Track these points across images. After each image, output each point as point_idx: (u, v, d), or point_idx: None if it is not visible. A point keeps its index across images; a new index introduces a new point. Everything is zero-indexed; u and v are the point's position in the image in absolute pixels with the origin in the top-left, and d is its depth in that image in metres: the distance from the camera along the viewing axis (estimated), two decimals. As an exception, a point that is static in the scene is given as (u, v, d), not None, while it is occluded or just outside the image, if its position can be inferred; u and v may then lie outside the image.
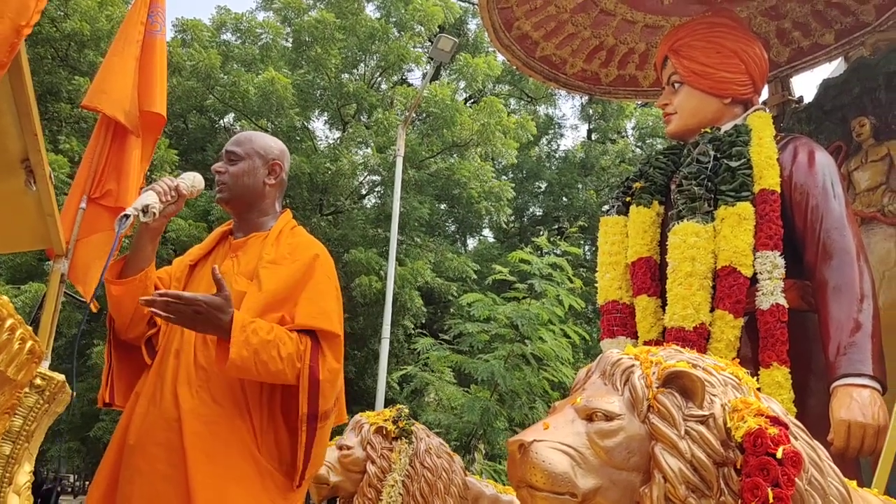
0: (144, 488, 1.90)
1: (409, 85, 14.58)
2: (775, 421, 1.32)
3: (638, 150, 17.62)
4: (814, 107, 3.56)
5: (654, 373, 1.40)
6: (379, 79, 13.12)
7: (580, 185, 16.41)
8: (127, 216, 1.96)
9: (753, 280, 2.48)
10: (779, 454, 1.26)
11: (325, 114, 13.54)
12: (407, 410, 3.04)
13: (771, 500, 1.23)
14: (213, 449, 1.92)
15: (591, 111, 18.27)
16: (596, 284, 2.98)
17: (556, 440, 1.34)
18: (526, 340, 8.77)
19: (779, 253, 2.46)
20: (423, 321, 11.68)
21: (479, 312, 8.66)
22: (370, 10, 13.61)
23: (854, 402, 2.17)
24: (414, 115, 11.07)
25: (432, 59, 10.32)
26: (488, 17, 3.49)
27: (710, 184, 2.59)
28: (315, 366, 1.95)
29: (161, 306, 1.86)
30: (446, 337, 9.19)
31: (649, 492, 1.32)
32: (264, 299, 2.00)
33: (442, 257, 11.58)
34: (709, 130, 2.76)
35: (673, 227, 2.60)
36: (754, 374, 2.36)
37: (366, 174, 12.58)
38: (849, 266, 2.39)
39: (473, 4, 16.75)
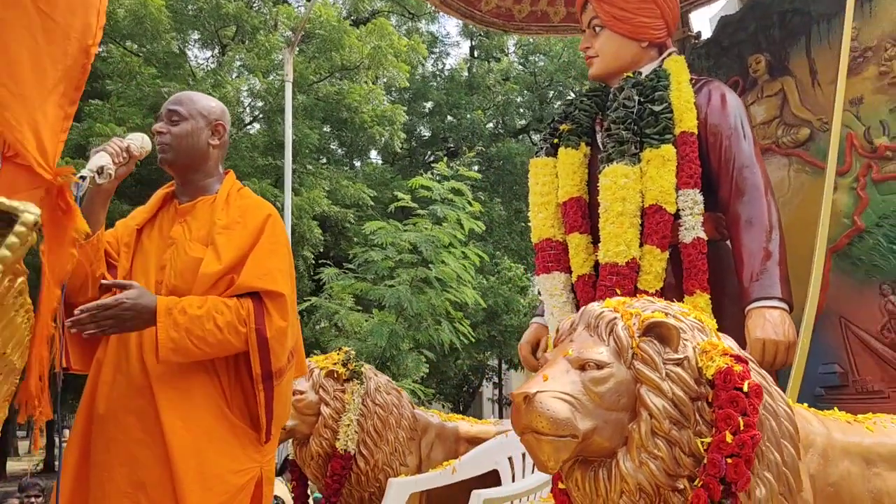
0: (122, 456, 1.95)
1: (286, 3, 13.99)
2: (738, 359, 1.55)
3: (521, 67, 17.84)
4: (712, 43, 3.80)
5: (634, 323, 1.58)
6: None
7: (467, 105, 16.51)
8: (84, 178, 1.92)
9: (675, 215, 2.73)
10: (745, 388, 1.49)
11: (199, 34, 12.82)
12: (354, 352, 3.16)
13: (741, 427, 1.46)
14: (187, 412, 1.98)
15: (473, 28, 18.21)
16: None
17: (556, 389, 1.51)
18: (429, 264, 9.01)
19: (698, 190, 2.71)
20: (321, 250, 11.66)
21: (382, 239, 8.78)
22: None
23: (767, 322, 2.48)
24: (299, 37, 10.69)
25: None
26: (409, -43, 3.46)
27: (636, 127, 2.77)
28: (262, 327, 2.01)
29: (90, 324, 1.88)
30: (351, 266, 9.28)
31: (637, 427, 1.52)
32: (223, 270, 2.05)
33: (337, 185, 11.50)
34: (631, 75, 2.92)
35: (604, 170, 2.78)
36: (679, 300, 2.64)
37: (250, 100, 12.14)
38: (758, 201, 2.67)
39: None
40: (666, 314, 1.60)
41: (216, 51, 13.37)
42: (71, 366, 2.12)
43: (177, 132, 2.20)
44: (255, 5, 12.72)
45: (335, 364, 3.09)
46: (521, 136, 17.53)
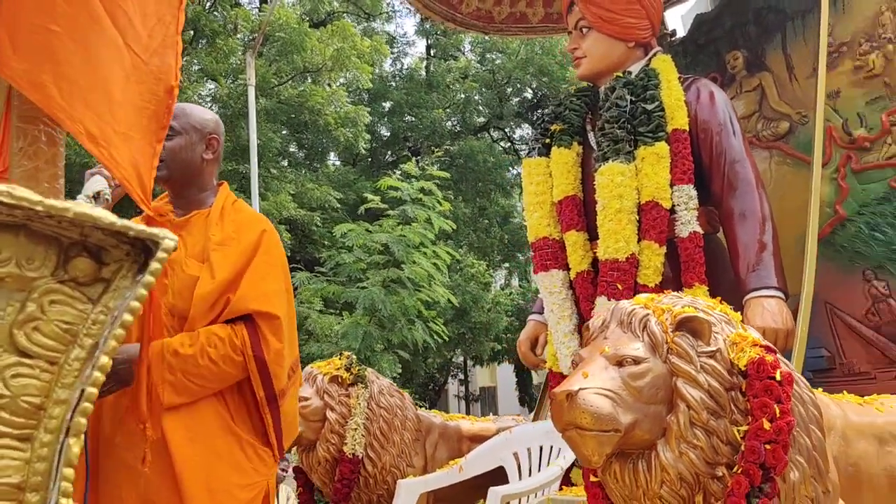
0: (130, 477, 1.92)
1: (241, 6, 13.82)
2: (768, 349, 1.62)
3: (479, 66, 17.91)
4: (688, 41, 3.90)
5: (667, 319, 1.64)
6: (213, 2, 12.30)
7: (426, 104, 16.52)
8: None
9: (671, 211, 2.81)
10: (777, 376, 1.56)
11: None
12: (355, 357, 3.18)
13: (778, 414, 1.52)
14: (194, 430, 1.96)
15: (429, 27, 18.23)
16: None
17: (597, 386, 1.56)
18: (401, 265, 9.03)
19: (692, 186, 2.79)
20: (288, 254, 11.56)
21: (354, 242, 8.77)
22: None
23: (766, 310, 2.57)
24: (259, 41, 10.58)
25: (276, -20, 9.87)
26: (394, -38, 3.48)
27: (629, 126, 2.84)
28: (259, 352, 1.99)
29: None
30: (322, 269, 9.24)
31: (675, 419, 1.58)
32: (217, 289, 2.03)
33: (302, 188, 11.42)
34: (621, 75, 2.99)
35: (599, 168, 2.85)
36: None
37: (211, 105, 11.96)
38: (750, 194, 2.76)
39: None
40: (696, 309, 1.66)
41: (172, 55, 13.13)
42: None
43: (170, 147, 2.14)
44: (211, 9, 12.55)
45: (338, 369, 3.10)
46: (481, 134, 17.61)
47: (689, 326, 1.62)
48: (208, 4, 12.39)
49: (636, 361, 1.59)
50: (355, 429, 2.98)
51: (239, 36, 11.90)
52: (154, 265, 0.80)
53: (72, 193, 1.84)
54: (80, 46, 1.29)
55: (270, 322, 2.04)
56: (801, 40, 3.38)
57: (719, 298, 1.79)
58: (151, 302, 1.49)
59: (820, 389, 1.96)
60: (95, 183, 1.95)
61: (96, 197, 1.92)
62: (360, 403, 3.03)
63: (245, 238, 2.11)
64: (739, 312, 1.89)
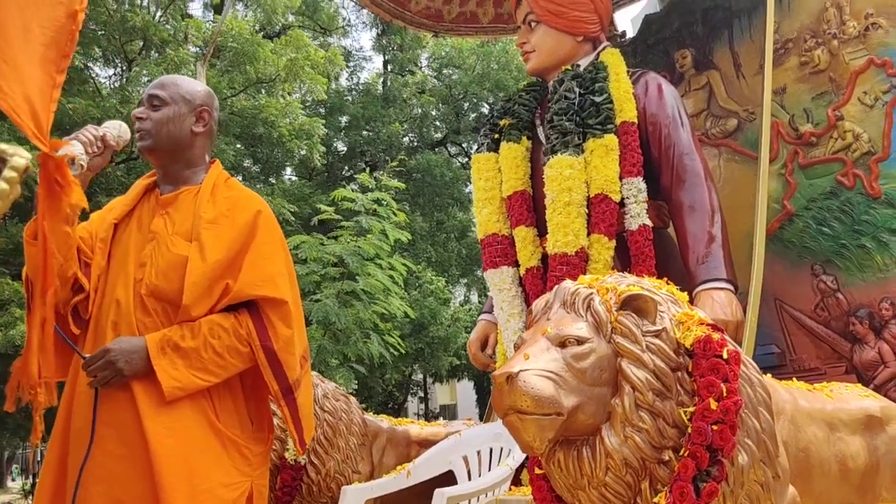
0: (97, 473, 1.78)
1: (192, 17, 13.61)
2: (715, 328, 1.56)
3: (436, 81, 17.94)
4: (638, 41, 3.90)
5: (611, 298, 1.57)
6: (163, 12, 12.08)
7: (383, 118, 16.46)
8: None
9: (621, 204, 2.76)
10: (724, 355, 1.49)
11: (102, 52, 12.29)
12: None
13: (724, 393, 1.46)
14: (174, 422, 1.82)
15: (385, 42, 18.22)
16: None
17: (538, 367, 1.48)
18: (356, 277, 8.88)
19: (641, 178, 2.75)
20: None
21: (307, 254, 8.60)
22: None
23: (715, 302, 2.53)
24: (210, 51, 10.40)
25: (229, -10, 9.72)
26: (339, -45, 3.41)
27: (578, 118, 2.80)
28: (267, 342, 1.88)
29: (92, 380, 1.77)
30: (275, 281, 9.03)
31: (620, 401, 1.50)
32: (210, 271, 1.89)
33: (255, 200, 11.19)
34: (570, 68, 2.95)
35: (548, 161, 2.79)
36: (627, 288, 2.67)
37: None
38: (699, 187, 2.73)
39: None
40: (642, 287, 1.59)
41: (121, 66, 12.86)
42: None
43: (157, 118, 2.03)
44: (161, 19, 12.32)
45: (280, 372, 2.97)
46: (438, 149, 17.60)
47: (634, 305, 1.55)
48: (158, 15, 12.19)
49: (579, 342, 1.52)
50: (297, 433, 2.85)
51: (190, 47, 11.68)
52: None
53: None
54: None
55: (277, 308, 1.92)
56: (747, 38, 3.39)
57: (665, 279, 1.72)
58: (46, 254, 1.35)
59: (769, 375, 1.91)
60: (70, 148, 1.81)
61: (71, 162, 1.79)
62: (302, 407, 2.89)
63: (240, 217, 1.98)
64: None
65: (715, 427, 1.44)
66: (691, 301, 2.60)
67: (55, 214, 1.42)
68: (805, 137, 3.12)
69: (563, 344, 1.52)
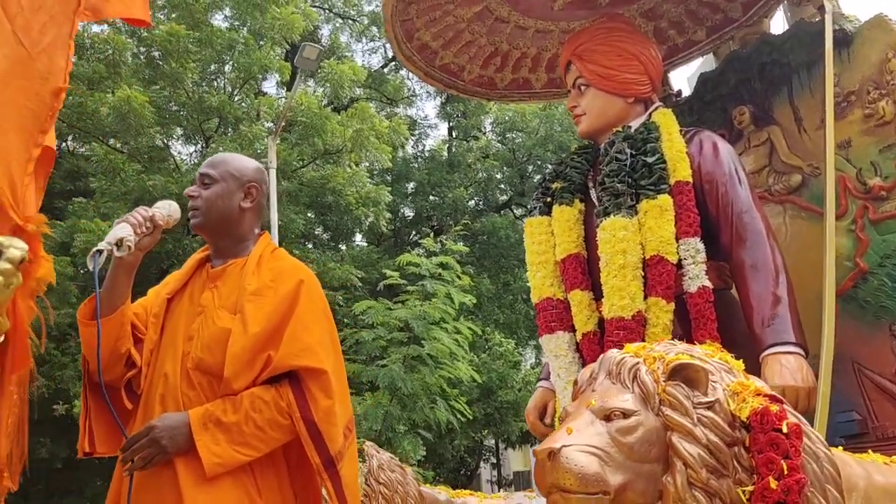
0: None
1: (265, 94, 14.26)
2: (773, 399, 1.46)
3: (499, 145, 18.17)
4: (694, 99, 3.85)
5: (658, 367, 1.50)
6: (238, 91, 12.71)
7: (448, 184, 16.71)
8: (100, 251, 1.84)
9: (678, 265, 2.68)
10: (784, 428, 1.39)
11: (182, 130, 12.98)
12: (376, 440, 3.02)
13: (785, 471, 1.35)
14: (214, 501, 1.82)
15: (450, 110, 18.64)
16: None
17: (582, 443, 1.41)
18: (421, 341, 8.88)
19: (699, 238, 2.67)
20: (311, 334, 11.47)
21: (373, 319, 8.67)
22: (218, 21, 13.17)
23: (784, 368, 2.39)
24: (282, 125, 10.84)
25: (297, 67, 10.16)
26: (391, 30, 3.52)
27: (630, 179, 2.76)
28: (308, 414, 1.87)
29: (137, 460, 1.80)
30: (342, 348, 9.12)
31: (672, 479, 1.41)
32: (250, 344, 1.91)
33: (324, 267, 11.43)
34: (621, 129, 2.93)
35: (602, 223, 2.74)
36: (689, 352, 2.56)
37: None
38: (761, 245, 2.63)
39: (327, 10, 16.61)
40: (691, 356, 1.51)
41: (200, 144, 13.52)
42: (95, 449, 1.98)
43: (207, 195, 2.12)
44: (237, 98, 12.97)
45: (335, 442, 2.95)
46: (503, 211, 17.69)
47: (684, 375, 1.47)
48: (236, 93, 12.83)
49: (625, 414, 1.44)
50: (352, 506, 2.80)
51: (264, 122, 12.20)
52: (-9, 272, 0.71)
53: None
54: None
55: (317, 378, 1.92)
56: (807, 92, 3.30)
57: (718, 346, 1.64)
58: (17, 327, 1.37)
59: (840, 448, 1.77)
60: (119, 230, 1.90)
61: (118, 245, 1.87)
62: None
63: (282, 288, 2.01)
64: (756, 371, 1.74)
65: (776, 508, 1.34)
66: (758, 367, 2.49)
67: (23, 288, 1.45)
68: (874, 191, 2.98)
69: (608, 417, 1.45)
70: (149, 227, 1.95)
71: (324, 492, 2.00)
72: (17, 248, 0.72)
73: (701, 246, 2.66)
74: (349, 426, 2.01)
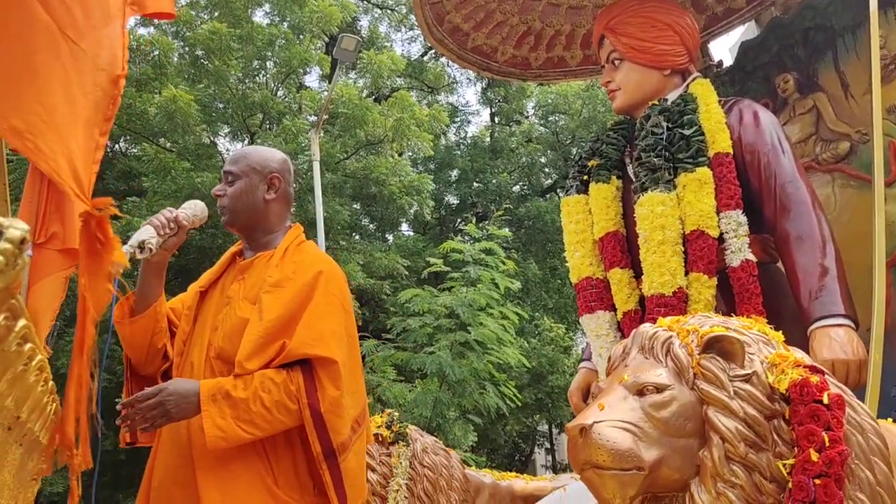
0: None
1: (307, 88, 14.38)
2: (813, 369, 1.41)
3: (542, 128, 17.98)
4: (735, 69, 3.73)
5: (692, 341, 1.46)
6: (280, 85, 12.85)
7: (492, 170, 16.63)
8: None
9: (720, 240, 2.60)
10: (825, 399, 1.34)
11: (228, 127, 13.20)
12: (397, 414, 3.04)
13: (827, 443, 1.31)
14: (226, 485, 1.86)
15: (491, 95, 18.51)
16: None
17: (614, 419, 1.38)
18: (468, 328, 8.87)
19: (741, 211, 2.59)
20: (359, 324, 11.60)
21: (419, 307, 8.69)
22: (259, 17, 13.32)
23: (833, 341, 2.31)
24: (324, 118, 10.92)
25: (337, 59, 10.21)
26: (421, 14, 3.50)
27: (667, 153, 2.69)
28: (314, 402, 1.87)
29: (138, 419, 1.81)
30: (389, 336, 9.19)
31: (709, 454, 1.38)
32: (264, 330, 1.93)
33: (370, 257, 11.51)
34: (657, 102, 2.85)
35: (639, 199, 2.68)
36: (734, 328, 2.49)
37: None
38: (807, 216, 2.54)
39: (365, 1, 16.65)
40: (726, 328, 1.47)
41: (245, 140, 13.73)
42: (138, 439, 2.04)
43: (232, 192, 2.14)
44: (279, 92, 13.11)
45: (378, 427, 2.97)
46: (548, 195, 17.53)
47: (719, 347, 1.43)
48: (278, 88, 12.98)
49: (659, 389, 1.41)
50: (397, 490, 2.82)
51: (307, 116, 12.31)
52: (-9, 254, 0.73)
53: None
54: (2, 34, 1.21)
55: (328, 368, 1.92)
56: (853, 56, 3.17)
57: (754, 318, 1.59)
58: (85, 312, 1.40)
59: (890, 420, 1.71)
60: (142, 232, 1.95)
61: (141, 247, 1.91)
62: (401, 463, 2.87)
63: (301, 278, 2.02)
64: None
65: (818, 481, 1.29)
66: (807, 340, 2.41)
67: (97, 272, 1.48)
68: (927, 156, 2.85)
69: (641, 392, 1.42)
70: (172, 228, 1.99)
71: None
72: (17, 227, 0.74)
73: (743, 219, 2.58)
74: (359, 420, 2.00)
